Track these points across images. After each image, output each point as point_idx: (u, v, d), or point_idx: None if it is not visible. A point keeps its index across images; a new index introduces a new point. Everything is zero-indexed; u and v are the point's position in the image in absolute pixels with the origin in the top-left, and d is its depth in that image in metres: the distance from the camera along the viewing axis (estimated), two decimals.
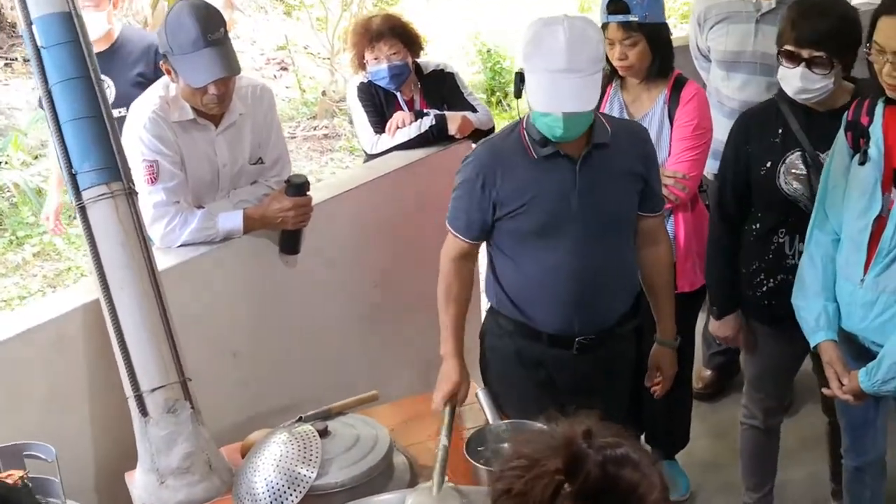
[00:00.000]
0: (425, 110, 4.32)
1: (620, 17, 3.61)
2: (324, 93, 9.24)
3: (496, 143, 3.08)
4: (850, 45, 3.14)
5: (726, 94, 4.35)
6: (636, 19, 3.62)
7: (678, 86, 3.75)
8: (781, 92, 3.30)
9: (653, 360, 3.37)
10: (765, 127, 3.34)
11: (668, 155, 3.74)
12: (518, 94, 2.94)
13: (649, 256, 3.25)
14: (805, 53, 3.12)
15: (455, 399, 3.00)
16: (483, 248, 3.21)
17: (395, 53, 4.24)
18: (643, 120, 3.75)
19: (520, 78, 2.89)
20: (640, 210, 3.14)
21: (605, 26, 3.63)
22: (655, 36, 3.68)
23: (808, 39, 3.10)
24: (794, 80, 3.17)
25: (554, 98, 2.80)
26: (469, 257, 3.15)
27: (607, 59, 3.69)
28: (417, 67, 4.39)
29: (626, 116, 3.76)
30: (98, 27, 4.16)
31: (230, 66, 3.30)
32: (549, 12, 2.92)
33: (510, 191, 2.98)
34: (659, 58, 3.71)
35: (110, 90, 4.17)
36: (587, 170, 2.96)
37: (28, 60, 8.53)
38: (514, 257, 3.08)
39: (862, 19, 3.12)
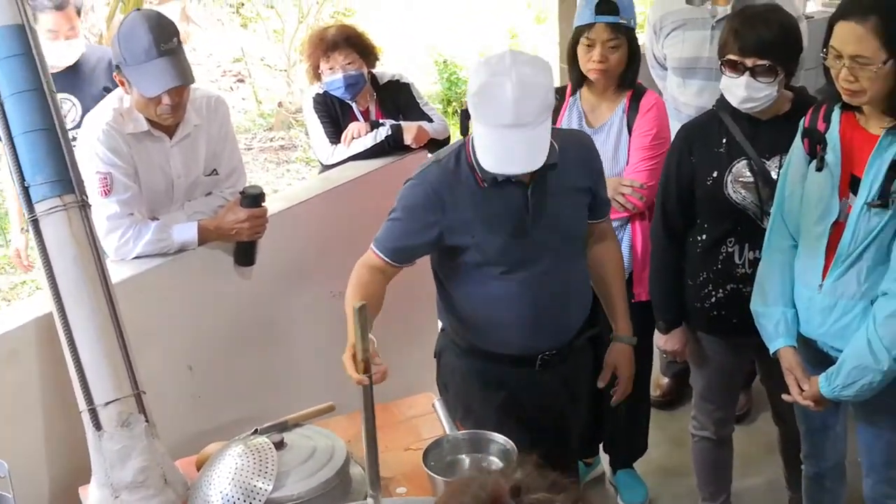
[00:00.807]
0: (381, 120, 4.32)
1: (610, 18, 3.59)
2: (280, 104, 9.24)
3: (443, 167, 2.94)
4: (793, 53, 3.21)
5: (683, 101, 4.38)
6: (624, 22, 3.62)
7: (637, 96, 3.75)
8: (721, 102, 3.33)
9: (609, 358, 3.28)
10: (708, 137, 3.37)
11: (626, 164, 3.76)
12: (464, 132, 2.88)
13: (597, 254, 3.22)
14: (749, 62, 3.15)
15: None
16: (430, 275, 3.16)
17: (350, 63, 4.23)
18: (602, 129, 3.76)
19: (465, 115, 2.83)
20: (594, 218, 3.13)
21: (588, 27, 3.61)
22: (634, 42, 3.70)
23: (752, 48, 3.14)
24: (738, 90, 3.20)
25: (503, 158, 2.72)
26: (385, 274, 3.01)
27: (573, 64, 3.70)
28: (373, 78, 4.39)
29: (585, 125, 3.77)
30: (76, 52, 4.28)
31: (184, 75, 3.29)
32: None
33: (460, 220, 2.90)
34: (634, 64, 3.73)
35: (76, 109, 4.22)
36: (538, 192, 2.90)
37: None
38: (467, 287, 3.02)
39: (820, 27, 3.15)
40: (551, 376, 3.09)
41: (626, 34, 3.64)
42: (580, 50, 3.67)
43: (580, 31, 3.66)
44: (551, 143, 2.87)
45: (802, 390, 3.05)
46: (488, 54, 2.84)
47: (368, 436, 2.49)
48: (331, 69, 4.25)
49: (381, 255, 2.98)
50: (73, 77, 4.26)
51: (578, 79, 3.76)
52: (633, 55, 3.71)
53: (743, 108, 3.25)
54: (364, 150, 4.23)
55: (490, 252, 2.92)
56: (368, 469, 2.45)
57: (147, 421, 2.82)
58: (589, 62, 3.66)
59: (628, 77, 3.74)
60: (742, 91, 3.19)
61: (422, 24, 10.38)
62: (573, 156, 2.98)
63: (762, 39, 3.14)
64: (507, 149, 2.69)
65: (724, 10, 4.23)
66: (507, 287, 2.96)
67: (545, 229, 2.92)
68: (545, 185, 2.90)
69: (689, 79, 4.40)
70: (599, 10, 3.59)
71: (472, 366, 3.12)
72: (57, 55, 4.14)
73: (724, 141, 3.34)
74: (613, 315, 3.28)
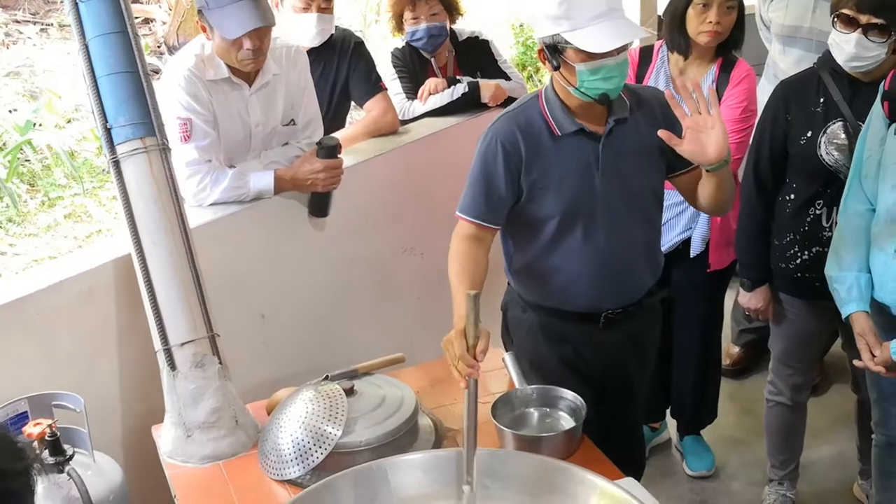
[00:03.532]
0: (458, 77, 4.31)
1: None
2: None
3: (515, 119, 2.88)
4: None
5: (782, 69, 4.30)
6: None
7: (727, 64, 3.67)
8: (823, 60, 3.27)
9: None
10: (806, 96, 3.32)
11: None
12: (558, 66, 2.76)
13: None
14: (863, 19, 3.07)
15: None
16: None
17: (434, 15, 4.25)
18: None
19: (552, 49, 2.74)
20: (679, 169, 2.95)
21: None
22: (742, 5, 3.61)
23: (868, 5, 3.06)
24: (847, 46, 3.13)
25: (611, 36, 2.67)
26: (483, 241, 2.90)
27: (679, 28, 3.61)
28: (452, 34, 4.38)
29: (672, 91, 3.68)
30: (326, 30, 4.07)
31: (265, 17, 3.30)
32: None
33: (535, 170, 2.86)
34: (742, 28, 3.63)
35: None
36: (609, 147, 2.85)
37: (64, 26, 8.67)
38: (533, 243, 2.98)
39: None
40: (616, 334, 3.06)
41: None
42: (692, 12, 3.55)
43: None
44: (622, 99, 2.86)
45: (874, 356, 3.00)
46: None
47: (469, 425, 2.36)
48: (415, 19, 4.26)
49: (471, 219, 2.89)
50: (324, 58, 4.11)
51: (686, 44, 3.63)
52: (741, 18, 3.61)
53: (848, 67, 3.19)
54: (440, 107, 4.22)
55: (558, 204, 2.88)
56: (466, 456, 2.38)
57: (220, 363, 2.86)
58: (703, 24, 3.55)
59: (737, 39, 3.64)
60: (851, 48, 3.12)
61: None
62: (644, 114, 2.92)
63: None
64: (612, 29, 2.66)
65: None
66: (570, 241, 2.93)
67: (613, 186, 2.87)
68: (616, 141, 2.86)
69: (789, 46, 4.31)
70: None
71: (537, 320, 3.10)
72: (304, 30, 3.99)
73: (822, 101, 3.29)
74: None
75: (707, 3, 3.52)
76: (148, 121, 2.91)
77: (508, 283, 3.22)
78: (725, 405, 4.37)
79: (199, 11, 3.33)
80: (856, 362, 3.07)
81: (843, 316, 3.07)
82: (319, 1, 3.96)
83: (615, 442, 2.96)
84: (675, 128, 2.89)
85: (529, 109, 2.90)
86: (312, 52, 3.99)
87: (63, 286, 3.03)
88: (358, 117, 4.21)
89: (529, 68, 9.02)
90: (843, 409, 4.03)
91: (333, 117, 4.12)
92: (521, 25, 9.19)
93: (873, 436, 3.43)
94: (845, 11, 3.11)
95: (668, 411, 4.33)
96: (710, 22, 3.53)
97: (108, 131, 2.90)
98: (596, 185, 2.86)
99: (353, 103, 4.30)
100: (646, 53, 3.77)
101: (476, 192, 2.89)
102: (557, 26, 2.70)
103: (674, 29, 3.62)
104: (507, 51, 9.00)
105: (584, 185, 2.86)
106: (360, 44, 4.17)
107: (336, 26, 4.14)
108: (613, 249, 2.94)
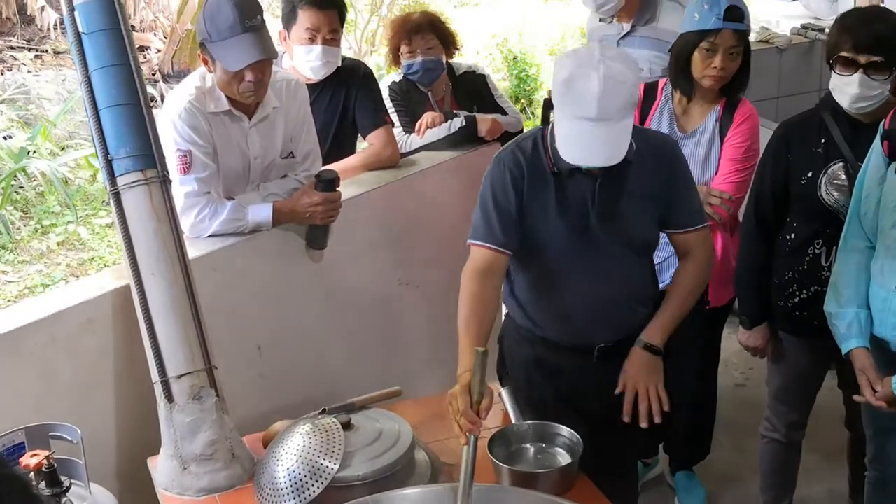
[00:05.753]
0: (455, 111, 4.33)
1: (739, 25, 3.54)
2: None
3: (521, 151, 2.91)
4: None
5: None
6: (746, 29, 3.59)
7: (731, 103, 3.70)
8: (824, 102, 3.30)
9: (625, 363, 2.99)
10: (807, 137, 3.34)
11: (716, 173, 3.71)
12: (546, 121, 2.85)
13: (678, 270, 3.12)
14: (863, 59, 3.10)
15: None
16: None
17: (430, 49, 4.28)
18: (693, 135, 3.72)
19: (548, 104, 2.81)
20: (670, 228, 3.02)
21: (713, 32, 3.53)
22: (749, 50, 3.65)
23: (865, 44, 3.09)
24: (850, 88, 3.15)
25: (583, 150, 2.70)
26: (496, 272, 2.90)
27: (682, 69, 3.64)
28: (449, 68, 4.41)
29: (676, 128, 3.73)
30: (332, 63, 4.00)
31: (267, 50, 3.32)
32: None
33: (533, 203, 2.89)
34: (747, 72, 3.67)
35: None
36: (607, 186, 2.86)
37: (58, 53, 8.69)
38: (527, 273, 3.02)
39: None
40: (611, 368, 3.04)
41: (745, 42, 3.60)
42: (698, 55, 3.58)
43: (700, 37, 3.56)
44: (630, 141, 2.84)
45: (875, 392, 3.02)
46: (576, 48, 2.81)
47: (465, 481, 2.40)
48: (411, 53, 4.29)
49: (486, 244, 2.88)
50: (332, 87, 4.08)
51: (690, 86, 3.67)
52: (747, 62, 3.64)
53: (853, 108, 3.21)
54: (437, 141, 4.24)
55: (553, 239, 2.91)
56: None
57: (218, 395, 2.86)
58: (708, 68, 3.58)
59: (741, 82, 3.68)
60: (855, 89, 3.14)
61: (491, 19, 10.34)
62: (650, 161, 2.91)
63: (876, 35, 3.08)
64: (588, 141, 2.67)
65: (627, 26, 4.50)
66: (565, 274, 2.96)
67: (607, 226, 2.89)
68: (614, 182, 2.86)
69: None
70: (728, 16, 3.51)
71: (532, 353, 3.12)
72: (308, 61, 3.96)
73: (823, 141, 3.31)
74: (654, 321, 3.04)
75: (712, 48, 3.55)
76: (149, 153, 2.93)
77: (506, 315, 3.23)
78: (718, 441, 4.38)
79: (202, 44, 3.35)
80: (856, 397, 3.08)
81: (844, 352, 3.09)
82: (325, 33, 3.91)
83: (609, 477, 2.96)
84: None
85: (534, 142, 2.92)
86: (321, 81, 4.01)
87: (61, 316, 3.02)
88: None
89: (523, 101, 9.07)
90: (834, 445, 4.03)
91: (340, 146, 4.12)
92: (514, 58, 9.25)
93: (867, 472, 3.45)
94: (844, 54, 3.14)
95: (660, 446, 4.33)
96: (715, 67, 3.56)
97: (109, 163, 2.92)
98: (591, 224, 2.89)
99: None
100: (650, 90, 3.80)
101: (489, 217, 2.89)
102: (554, 98, 2.72)
103: (679, 71, 3.66)
104: (500, 83, 9.06)
105: (578, 223, 2.89)
106: (368, 74, 4.16)
107: (344, 56, 4.12)
108: (608, 285, 2.96)
